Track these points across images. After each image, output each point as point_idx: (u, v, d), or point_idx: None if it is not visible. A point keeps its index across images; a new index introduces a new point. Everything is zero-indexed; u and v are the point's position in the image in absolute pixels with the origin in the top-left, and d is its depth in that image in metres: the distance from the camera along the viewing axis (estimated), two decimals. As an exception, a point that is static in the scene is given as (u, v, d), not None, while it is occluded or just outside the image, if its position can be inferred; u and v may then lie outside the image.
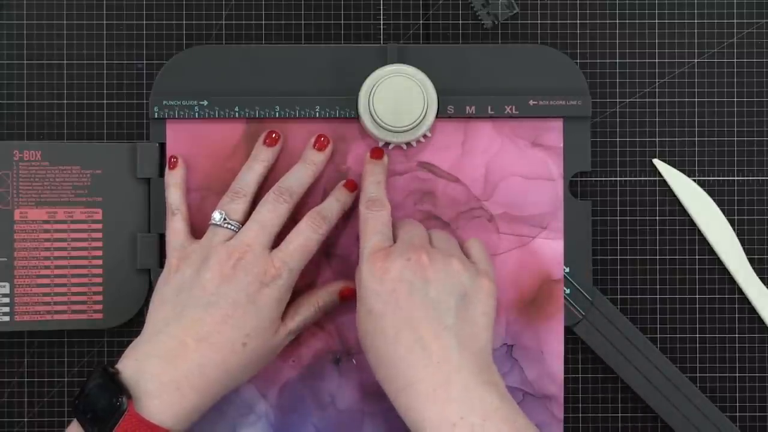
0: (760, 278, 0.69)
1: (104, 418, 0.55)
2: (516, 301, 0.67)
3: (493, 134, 0.68)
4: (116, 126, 0.69)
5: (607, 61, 0.69)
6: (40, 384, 0.69)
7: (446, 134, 0.68)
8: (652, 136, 0.70)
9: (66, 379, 0.69)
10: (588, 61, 0.69)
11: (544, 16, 0.70)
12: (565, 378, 0.68)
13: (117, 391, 0.56)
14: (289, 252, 0.62)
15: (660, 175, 0.69)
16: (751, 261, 0.69)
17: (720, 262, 0.69)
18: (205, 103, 0.67)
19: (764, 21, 0.70)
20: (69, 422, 0.59)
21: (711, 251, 0.69)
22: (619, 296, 0.69)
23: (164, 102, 0.67)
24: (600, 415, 0.69)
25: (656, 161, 0.69)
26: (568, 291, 0.67)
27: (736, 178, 0.69)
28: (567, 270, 0.67)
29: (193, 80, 0.67)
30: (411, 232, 0.63)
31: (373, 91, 0.66)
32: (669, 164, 0.69)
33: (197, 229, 0.66)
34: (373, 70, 0.66)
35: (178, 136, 0.67)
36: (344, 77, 0.67)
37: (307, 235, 0.63)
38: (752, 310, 0.69)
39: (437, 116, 0.67)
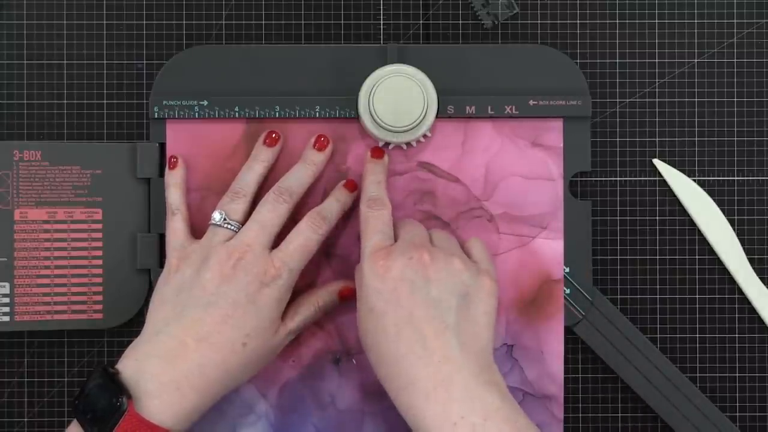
0: (760, 278, 0.69)
1: (104, 418, 0.55)
2: (516, 301, 0.67)
3: (493, 134, 0.68)
4: (116, 126, 0.69)
5: (607, 61, 0.69)
6: (40, 384, 0.69)
7: (446, 134, 0.68)
8: (652, 136, 0.70)
9: (66, 379, 0.69)
10: (588, 61, 0.69)
11: (544, 16, 0.70)
12: (565, 378, 0.68)
13: (117, 391, 0.55)
14: (289, 252, 0.62)
15: (660, 175, 0.69)
16: (751, 261, 0.69)
17: (720, 262, 0.69)
18: (205, 103, 0.67)
19: (764, 21, 0.70)
20: (69, 422, 0.59)
21: (711, 251, 0.69)
22: (619, 296, 0.69)
23: (164, 102, 0.67)
24: (600, 415, 0.69)
25: (656, 161, 0.69)
26: (568, 291, 0.67)
27: (736, 178, 0.69)
28: (567, 270, 0.67)
29: (193, 80, 0.67)
30: (412, 231, 0.63)
31: (373, 91, 0.66)
32: (669, 164, 0.69)
33: (197, 229, 0.66)
34: (373, 70, 0.66)
35: (178, 136, 0.67)
36: (344, 77, 0.67)
37: (307, 235, 0.63)
38: (752, 310, 0.69)
39: (437, 116, 0.67)
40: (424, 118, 0.66)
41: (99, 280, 0.67)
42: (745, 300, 0.69)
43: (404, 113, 0.65)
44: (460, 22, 0.70)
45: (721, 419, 0.68)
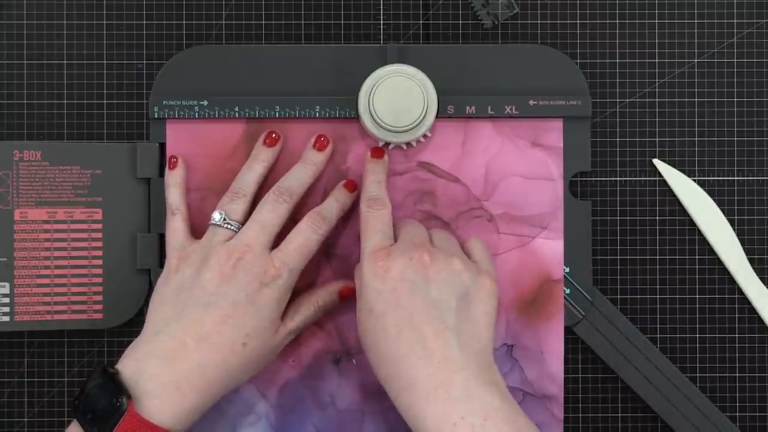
0: (760, 278, 0.69)
1: (104, 418, 0.55)
2: (516, 301, 0.67)
3: (493, 134, 0.68)
4: (116, 126, 0.69)
5: (607, 61, 0.69)
6: (40, 384, 0.69)
7: (446, 134, 0.68)
8: (652, 136, 0.70)
9: (66, 379, 0.69)
10: (588, 61, 0.69)
11: (544, 16, 0.70)
12: (565, 378, 0.68)
13: (117, 391, 0.55)
14: (289, 252, 0.62)
15: (660, 175, 0.69)
16: (751, 261, 0.69)
17: (720, 262, 0.69)
18: (205, 103, 0.67)
19: (764, 21, 0.70)
20: (69, 422, 0.59)
21: (711, 251, 0.69)
22: (619, 296, 0.69)
23: (164, 102, 0.67)
24: (600, 415, 0.69)
25: (656, 161, 0.69)
26: (568, 291, 0.67)
27: (736, 178, 0.69)
28: (567, 270, 0.67)
29: (193, 80, 0.67)
30: (412, 231, 0.63)
31: (373, 91, 0.66)
32: (669, 164, 0.69)
33: (197, 229, 0.66)
34: (373, 70, 0.66)
35: (178, 136, 0.67)
36: (344, 77, 0.67)
37: (307, 236, 0.63)
38: (752, 310, 0.69)
39: (437, 116, 0.67)
40: (424, 118, 0.66)
41: (99, 280, 0.67)
42: (745, 300, 0.69)
43: (404, 113, 0.65)
44: (460, 22, 0.70)
45: (721, 419, 0.68)
